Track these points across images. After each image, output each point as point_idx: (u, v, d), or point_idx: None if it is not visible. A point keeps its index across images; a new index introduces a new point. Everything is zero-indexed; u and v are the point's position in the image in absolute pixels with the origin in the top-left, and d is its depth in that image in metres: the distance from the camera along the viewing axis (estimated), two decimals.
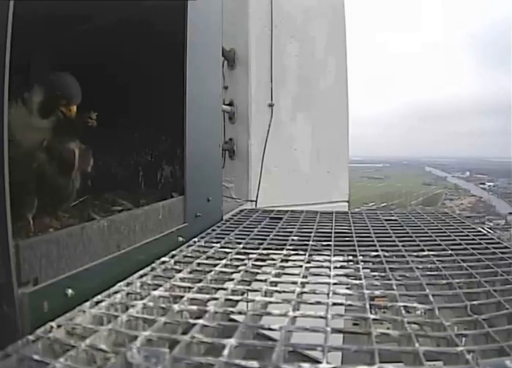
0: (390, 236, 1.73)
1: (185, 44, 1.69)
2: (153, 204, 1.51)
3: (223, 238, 1.67)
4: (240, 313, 0.96)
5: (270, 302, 1.03)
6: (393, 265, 1.31)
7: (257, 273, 1.24)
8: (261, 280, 1.17)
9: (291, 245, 1.57)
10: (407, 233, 1.80)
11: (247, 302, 1.04)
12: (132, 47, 1.96)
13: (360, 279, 1.18)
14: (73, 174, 1.45)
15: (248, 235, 1.74)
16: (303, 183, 3.32)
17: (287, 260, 1.39)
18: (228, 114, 3.17)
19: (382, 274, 1.25)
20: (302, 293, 1.07)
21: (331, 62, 3.51)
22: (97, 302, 0.97)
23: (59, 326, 0.83)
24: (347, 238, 1.69)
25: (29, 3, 1.10)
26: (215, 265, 1.29)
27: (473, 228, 1.92)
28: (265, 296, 1.06)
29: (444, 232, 1.82)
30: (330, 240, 1.64)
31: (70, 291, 1.02)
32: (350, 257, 1.42)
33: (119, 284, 1.10)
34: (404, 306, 0.97)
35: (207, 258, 1.38)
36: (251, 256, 1.41)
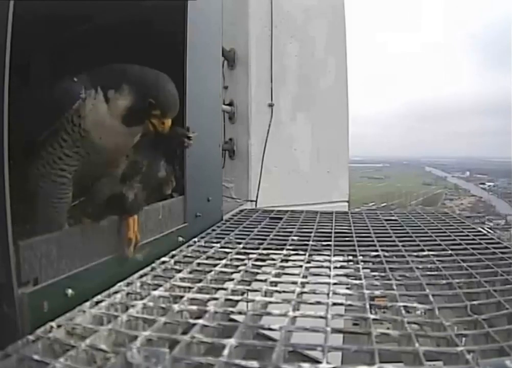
0: (390, 236, 1.73)
1: (185, 44, 1.69)
2: (153, 204, 1.50)
3: (223, 238, 1.67)
4: (240, 313, 0.96)
5: (270, 302, 1.03)
6: (393, 265, 1.31)
7: (257, 273, 1.24)
8: (261, 280, 1.17)
9: (291, 245, 1.57)
10: (407, 233, 1.80)
11: (247, 302, 1.04)
12: (131, 47, 1.96)
13: (360, 279, 1.18)
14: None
15: (248, 235, 1.74)
16: (303, 183, 3.32)
17: (287, 260, 1.39)
18: (228, 114, 3.17)
19: (382, 274, 1.25)
20: (302, 293, 1.07)
21: (331, 62, 3.51)
22: (97, 302, 0.97)
23: (59, 326, 0.83)
24: (347, 238, 1.69)
25: (29, 3, 1.10)
26: (215, 265, 1.29)
27: (473, 228, 1.93)
28: (265, 296, 1.06)
29: (444, 232, 1.82)
30: (330, 240, 1.64)
31: (70, 291, 1.02)
32: (350, 257, 1.42)
33: (119, 284, 1.10)
34: (404, 306, 0.97)
35: (207, 258, 1.38)
36: (251, 256, 1.41)
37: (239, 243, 1.58)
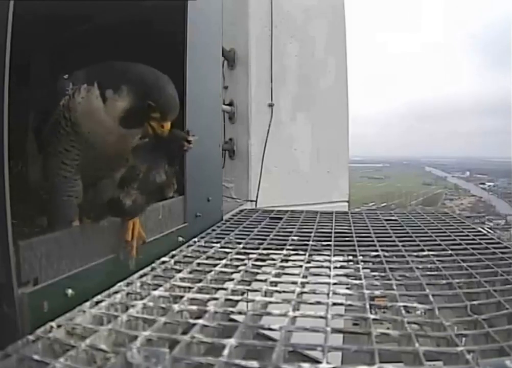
0: (390, 236, 1.73)
1: (185, 44, 1.69)
2: (153, 204, 1.50)
3: (223, 238, 1.67)
4: (240, 313, 0.96)
5: (270, 302, 1.03)
6: (393, 265, 1.31)
7: (257, 273, 1.24)
8: (261, 280, 1.17)
9: (291, 245, 1.57)
10: (407, 233, 1.80)
11: (247, 302, 1.03)
12: (131, 47, 1.96)
13: (360, 279, 1.18)
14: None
15: (248, 235, 1.74)
16: (303, 183, 3.32)
17: (287, 260, 1.39)
18: (228, 114, 3.17)
19: (382, 274, 1.25)
20: (302, 293, 1.07)
21: (331, 62, 3.51)
22: (97, 302, 0.97)
23: (59, 326, 0.83)
24: (347, 238, 1.69)
25: (29, 3, 1.10)
26: (215, 265, 1.29)
27: (473, 228, 1.93)
28: (265, 296, 1.06)
29: (444, 232, 1.82)
30: (330, 240, 1.64)
31: (70, 291, 1.02)
32: (350, 257, 1.42)
33: (119, 284, 1.10)
34: (404, 306, 0.97)
35: (207, 258, 1.38)
36: (251, 256, 1.41)
37: (239, 243, 1.58)
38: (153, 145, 1.15)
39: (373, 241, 1.63)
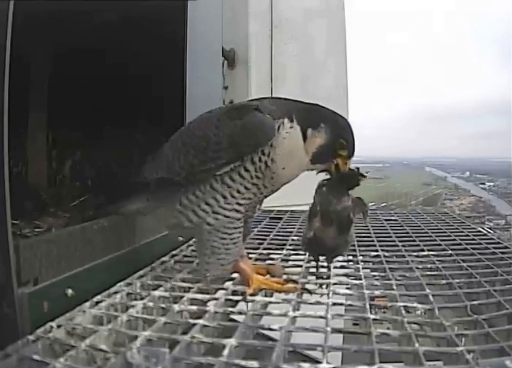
0: (390, 236, 1.73)
1: (185, 44, 1.69)
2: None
3: None
4: (240, 313, 0.96)
5: (270, 302, 1.03)
6: (393, 265, 1.31)
7: None
8: None
9: (290, 245, 1.57)
10: (407, 233, 1.80)
11: (247, 302, 1.04)
12: (132, 47, 1.96)
13: (360, 279, 1.18)
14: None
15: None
16: (303, 183, 3.31)
17: (287, 260, 1.39)
18: None
19: (382, 274, 1.26)
20: (302, 293, 1.07)
21: (331, 62, 3.50)
22: (97, 302, 0.97)
23: (59, 326, 0.83)
24: None
25: (29, 3, 1.10)
26: None
27: (473, 228, 1.93)
28: (265, 296, 1.06)
29: (444, 232, 1.82)
30: None
31: (70, 291, 1.02)
32: (350, 257, 1.42)
33: (119, 284, 1.10)
34: (404, 306, 0.97)
35: None
36: (251, 256, 1.41)
37: None
38: (335, 181, 1.20)
39: (373, 241, 1.63)
